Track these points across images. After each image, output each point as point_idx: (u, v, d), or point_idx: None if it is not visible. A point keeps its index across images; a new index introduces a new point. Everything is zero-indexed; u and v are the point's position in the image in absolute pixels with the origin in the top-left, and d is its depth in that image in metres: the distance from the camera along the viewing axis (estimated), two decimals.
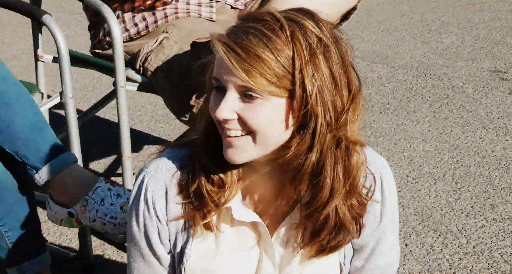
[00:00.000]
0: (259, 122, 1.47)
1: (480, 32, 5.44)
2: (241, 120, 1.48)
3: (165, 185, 1.62)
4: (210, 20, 2.70)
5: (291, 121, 1.49)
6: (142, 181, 1.64)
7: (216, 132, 1.54)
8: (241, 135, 1.49)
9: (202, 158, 1.57)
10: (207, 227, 1.61)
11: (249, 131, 1.49)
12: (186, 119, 2.54)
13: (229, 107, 1.47)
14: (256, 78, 1.43)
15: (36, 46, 2.88)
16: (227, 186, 1.58)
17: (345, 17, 2.73)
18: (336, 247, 1.63)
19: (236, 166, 1.57)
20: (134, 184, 1.67)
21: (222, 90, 1.48)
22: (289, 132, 1.50)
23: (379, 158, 1.68)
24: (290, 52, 1.44)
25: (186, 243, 1.65)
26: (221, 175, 1.57)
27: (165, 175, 1.62)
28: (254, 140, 1.50)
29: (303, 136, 1.49)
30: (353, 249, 1.72)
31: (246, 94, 1.46)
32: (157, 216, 1.63)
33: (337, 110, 1.49)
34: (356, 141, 1.55)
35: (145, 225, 1.65)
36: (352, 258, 1.73)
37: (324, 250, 1.62)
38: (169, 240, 1.66)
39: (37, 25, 2.83)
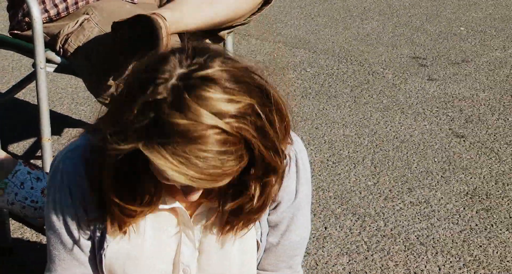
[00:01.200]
0: (221, 187, 1.48)
1: (401, 19, 5.52)
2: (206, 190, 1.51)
3: (82, 174, 1.59)
4: (132, 2, 2.68)
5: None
6: (58, 167, 1.62)
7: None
8: None
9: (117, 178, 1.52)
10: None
11: None
12: (107, 102, 2.53)
13: (198, 195, 1.51)
14: (222, 181, 1.42)
15: None
16: (146, 200, 1.57)
17: (267, 1, 2.74)
18: (255, 220, 1.65)
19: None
20: (51, 169, 1.65)
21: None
22: None
23: (294, 136, 1.69)
24: (243, 146, 1.41)
25: (106, 229, 1.64)
26: (140, 191, 1.55)
27: (81, 163, 1.59)
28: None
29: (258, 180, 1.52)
30: (269, 226, 1.74)
31: None
32: (75, 203, 1.61)
33: (279, 149, 1.50)
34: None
35: (63, 213, 1.63)
36: (267, 235, 1.75)
37: (243, 225, 1.64)
38: (89, 226, 1.65)
39: None
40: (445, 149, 3.50)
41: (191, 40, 1.47)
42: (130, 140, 1.38)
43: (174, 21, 2.43)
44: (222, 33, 2.77)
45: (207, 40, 2.81)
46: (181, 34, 2.55)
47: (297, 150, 1.67)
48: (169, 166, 1.36)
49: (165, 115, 1.35)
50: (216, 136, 1.36)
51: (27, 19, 2.64)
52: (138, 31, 2.31)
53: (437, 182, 3.21)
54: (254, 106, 1.40)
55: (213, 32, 2.74)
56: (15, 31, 2.72)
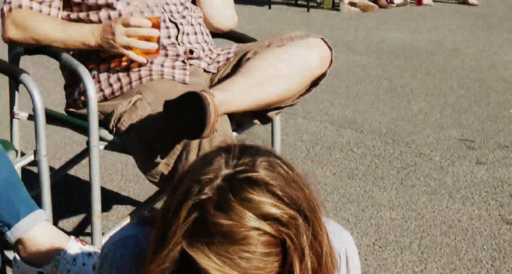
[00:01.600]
0: None
1: (448, 100, 5.52)
2: None
3: (130, 264, 1.59)
4: (183, 83, 2.72)
5: None
6: (107, 256, 1.62)
7: None
8: None
9: None
10: None
11: None
12: (156, 180, 2.55)
13: None
14: None
15: (12, 103, 2.86)
16: None
17: (315, 83, 2.76)
18: None
19: None
20: (99, 257, 1.65)
21: None
22: None
23: (343, 232, 1.67)
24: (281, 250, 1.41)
25: None
26: None
27: (130, 254, 1.59)
28: None
29: None
30: None
31: None
32: None
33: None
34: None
35: None
36: None
37: None
38: None
39: (15, 83, 2.82)
40: (495, 236, 3.45)
41: (239, 143, 1.48)
42: (175, 240, 1.38)
43: (226, 102, 2.47)
44: (270, 113, 2.80)
45: (256, 121, 2.84)
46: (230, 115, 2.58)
47: (347, 248, 1.65)
48: (212, 265, 1.36)
49: (210, 215, 1.36)
50: (260, 237, 1.36)
51: (82, 98, 2.69)
52: (187, 109, 2.34)
53: (487, 270, 3.15)
54: (298, 219, 1.40)
55: (262, 112, 2.77)
56: (71, 109, 2.78)
